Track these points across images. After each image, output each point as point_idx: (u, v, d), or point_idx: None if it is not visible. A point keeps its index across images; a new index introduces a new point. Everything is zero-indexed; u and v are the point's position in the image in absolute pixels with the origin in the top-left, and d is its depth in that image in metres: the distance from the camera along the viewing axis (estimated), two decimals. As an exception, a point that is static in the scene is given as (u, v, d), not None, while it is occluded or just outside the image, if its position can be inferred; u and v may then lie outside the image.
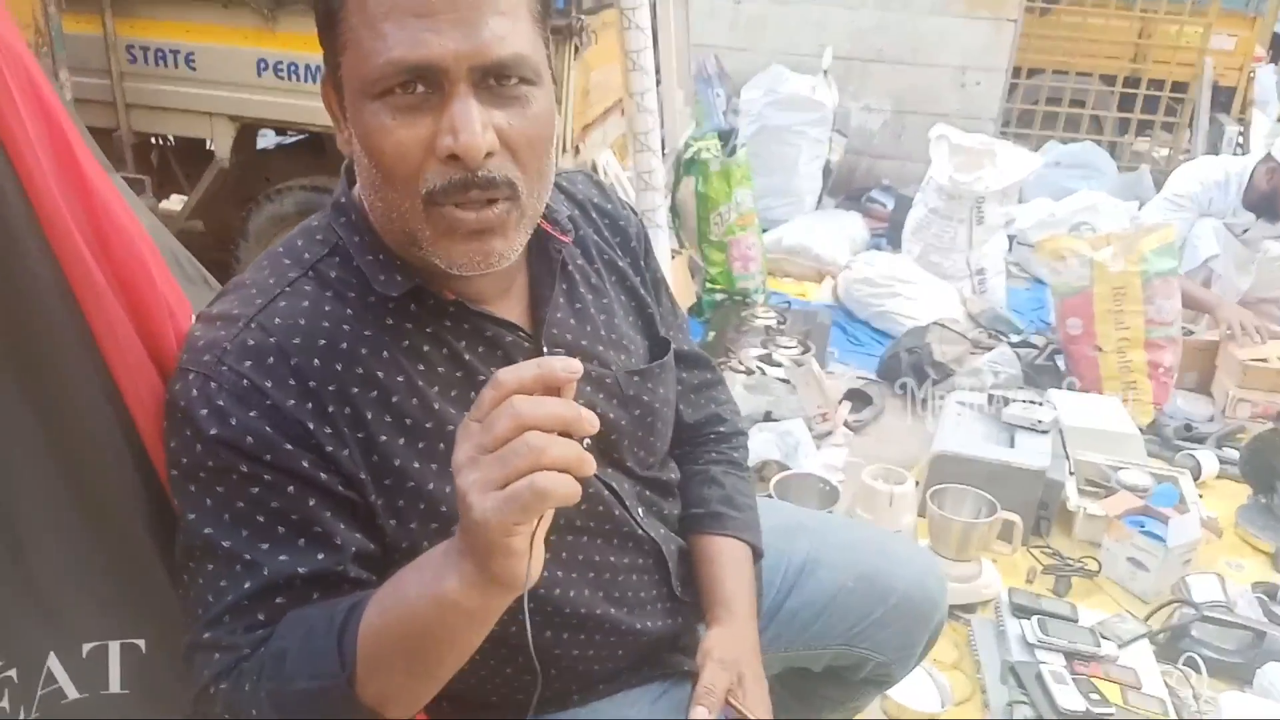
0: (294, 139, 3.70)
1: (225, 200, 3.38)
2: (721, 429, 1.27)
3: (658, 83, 3.38)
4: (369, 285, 0.91)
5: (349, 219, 0.94)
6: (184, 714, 0.88)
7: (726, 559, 1.15)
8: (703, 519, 1.18)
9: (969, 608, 2.17)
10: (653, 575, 1.09)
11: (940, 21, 5.04)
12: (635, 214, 1.21)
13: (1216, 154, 5.27)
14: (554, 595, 0.98)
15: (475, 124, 0.80)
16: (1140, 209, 4.55)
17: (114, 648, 0.93)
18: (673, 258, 3.49)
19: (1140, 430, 2.85)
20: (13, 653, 0.88)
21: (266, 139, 3.73)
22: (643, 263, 1.18)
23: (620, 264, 1.14)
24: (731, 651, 1.08)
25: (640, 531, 1.07)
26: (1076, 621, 2.03)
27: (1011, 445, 2.51)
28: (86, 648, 0.92)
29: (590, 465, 0.69)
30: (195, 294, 1.04)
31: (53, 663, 0.91)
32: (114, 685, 0.94)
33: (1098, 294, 3.11)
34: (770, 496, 2.34)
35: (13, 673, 0.88)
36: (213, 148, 3.22)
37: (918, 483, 2.53)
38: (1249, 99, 5.94)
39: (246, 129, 3.23)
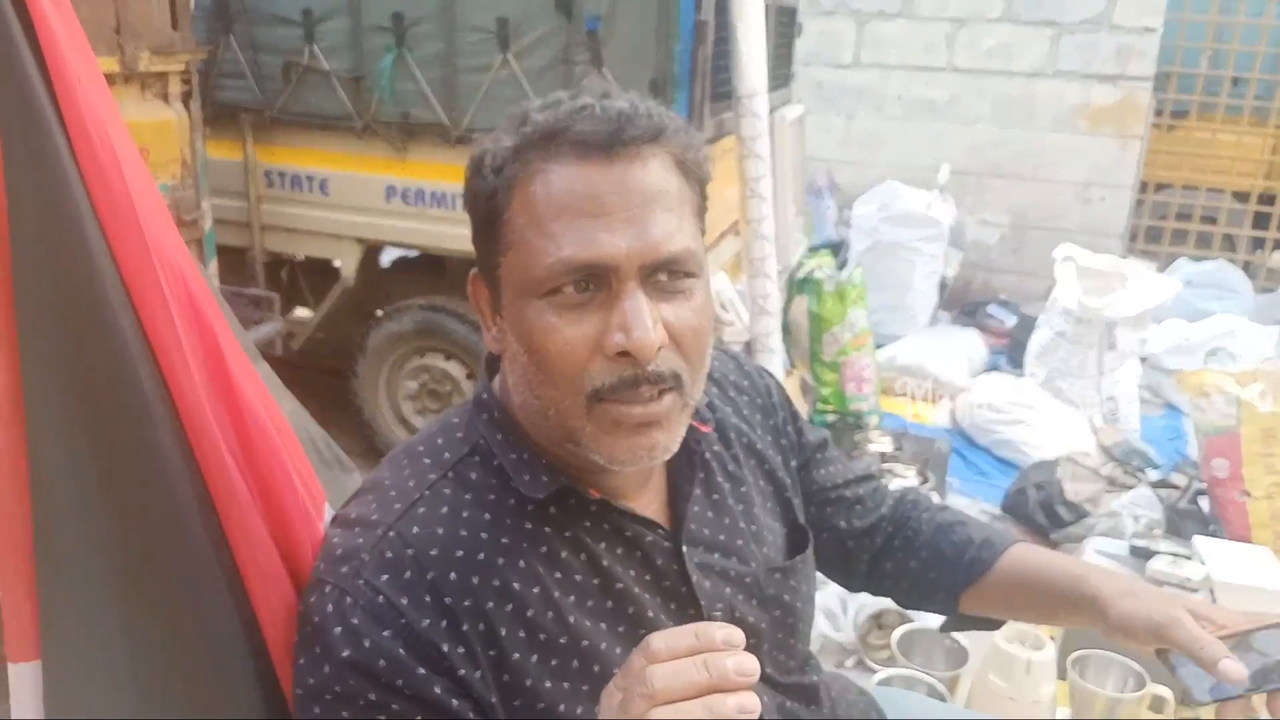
0: (414, 255, 3.82)
1: (348, 316, 3.50)
2: (911, 497, 1.23)
3: (773, 204, 3.38)
4: (508, 487, 0.88)
5: (490, 416, 0.92)
6: None
7: (1040, 558, 1.08)
8: (979, 556, 1.10)
9: (1117, 791, 1.97)
10: (792, 800, 1.00)
11: (1062, 138, 4.95)
12: (772, 378, 1.17)
13: (1365, 275, 4.97)
14: None
15: (647, 320, 0.79)
16: (1283, 334, 4.30)
17: None
18: (784, 377, 3.43)
19: (1297, 584, 2.60)
20: None
21: (387, 253, 3.86)
22: (790, 429, 1.14)
23: (759, 446, 1.08)
24: (1148, 591, 0.95)
25: None
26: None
27: (1158, 604, 2.31)
28: None
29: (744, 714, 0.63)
30: (330, 478, 1.03)
31: None
32: None
33: (1246, 435, 2.89)
34: (889, 648, 2.21)
35: None
36: (339, 266, 3.33)
37: (1052, 638, 2.35)
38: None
39: (371, 250, 3.35)
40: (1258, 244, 5.57)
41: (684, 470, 0.97)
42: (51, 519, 0.75)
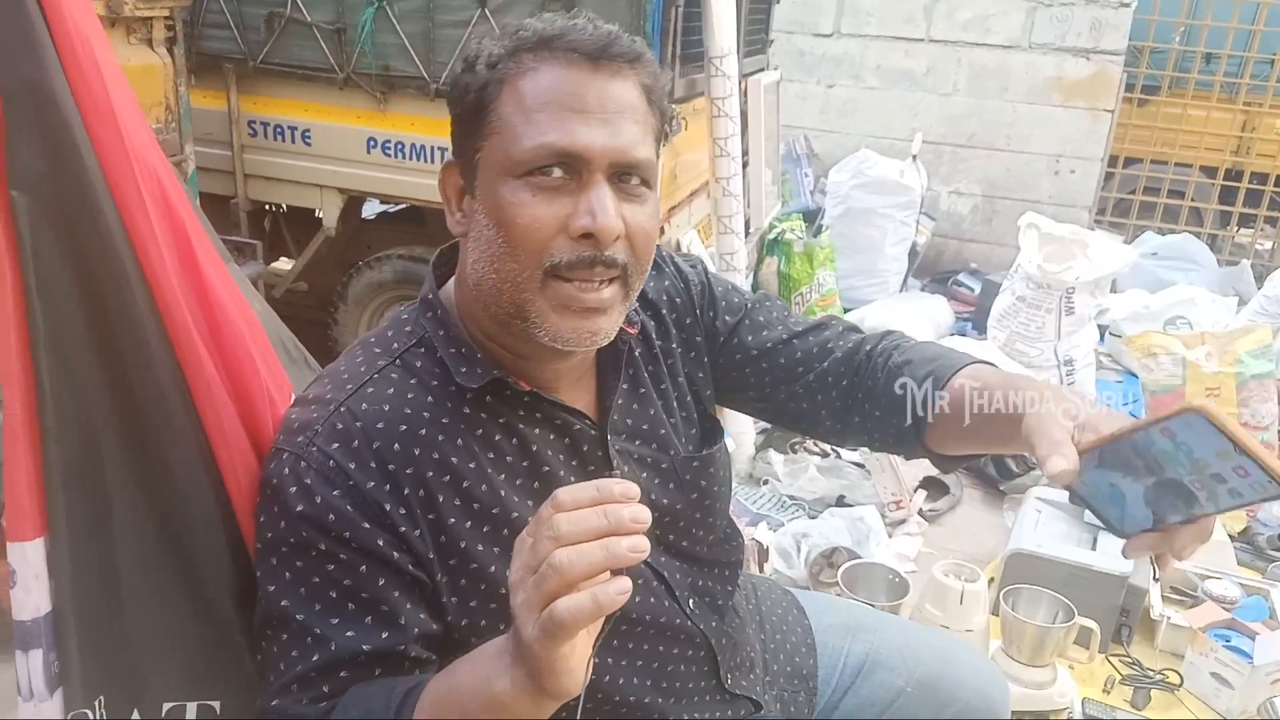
0: (396, 208, 3.89)
1: (329, 265, 3.57)
2: (870, 346, 1.18)
3: (745, 165, 3.46)
4: (450, 376, 0.98)
5: (435, 314, 1.01)
6: None
7: (982, 381, 1.02)
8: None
9: (1041, 715, 2.11)
10: (702, 667, 1.11)
11: (1035, 110, 5.04)
12: (693, 266, 1.21)
13: (1325, 250, 5.10)
14: (602, 683, 1.01)
15: (611, 209, 0.89)
16: (1240, 305, 4.43)
17: (191, 708, 0.99)
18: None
19: (1231, 538, 2.74)
20: (115, 707, 0.95)
21: (369, 206, 3.93)
22: (712, 309, 1.19)
23: (675, 347, 1.16)
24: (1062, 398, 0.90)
25: (689, 624, 1.09)
26: (1153, 738, 1.95)
27: (1093, 547, 2.44)
28: (166, 706, 0.99)
29: (633, 554, 0.70)
30: (297, 375, 1.12)
31: (135, 718, 0.98)
32: None
33: (1190, 394, 3.03)
34: (837, 584, 2.33)
35: None
36: (321, 216, 3.41)
37: (992, 580, 2.48)
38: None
39: (353, 200, 3.42)
40: (1224, 219, 5.70)
41: (611, 367, 1.07)
42: (53, 398, 0.84)
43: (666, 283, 1.18)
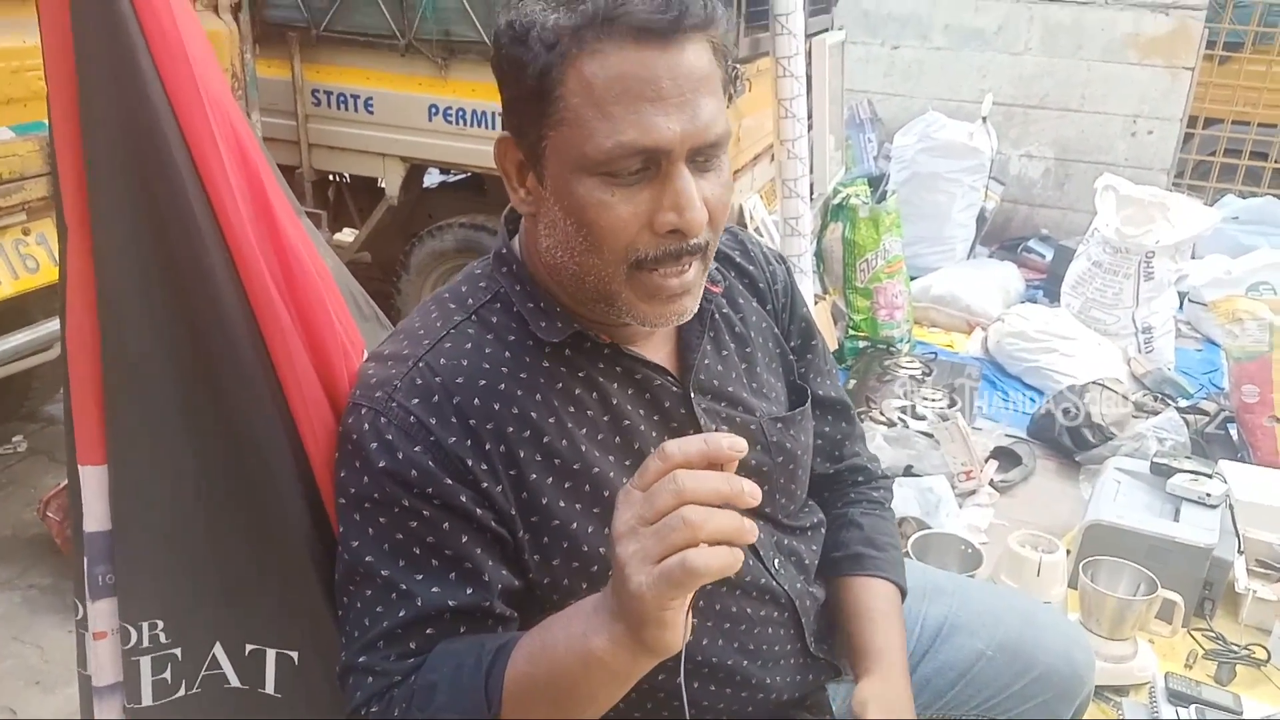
0: (457, 177, 3.89)
1: (392, 234, 3.59)
2: (860, 477, 1.28)
3: (809, 128, 3.39)
4: (527, 330, 0.96)
5: (510, 269, 0.99)
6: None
7: (874, 604, 1.14)
8: (841, 562, 1.18)
9: (1121, 689, 2.05)
10: (786, 629, 1.09)
11: (1111, 68, 4.85)
12: (781, 263, 1.22)
13: None
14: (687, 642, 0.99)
15: (696, 200, 0.86)
16: (1329, 270, 4.22)
17: (270, 655, 1.01)
18: (815, 303, 3.47)
19: (1322, 510, 2.62)
20: (181, 635, 0.98)
21: (430, 176, 3.94)
22: (787, 314, 1.20)
23: (758, 317, 1.16)
24: (890, 707, 1.05)
25: (774, 584, 1.07)
26: (1240, 714, 1.88)
27: (1175, 519, 2.36)
28: (249, 648, 1.01)
29: (751, 534, 0.70)
30: (369, 331, 1.12)
31: (218, 651, 1.00)
32: (269, 687, 1.02)
33: (1277, 360, 2.90)
34: (907, 555, 2.28)
35: (177, 651, 0.99)
36: (383, 185, 3.42)
37: (1069, 552, 2.41)
38: None
39: (415, 169, 3.43)
40: (1311, 181, 5.44)
41: (694, 325, 1.03)
42: (117, 330, 0.84)
43: (752, 268, 1.17)
